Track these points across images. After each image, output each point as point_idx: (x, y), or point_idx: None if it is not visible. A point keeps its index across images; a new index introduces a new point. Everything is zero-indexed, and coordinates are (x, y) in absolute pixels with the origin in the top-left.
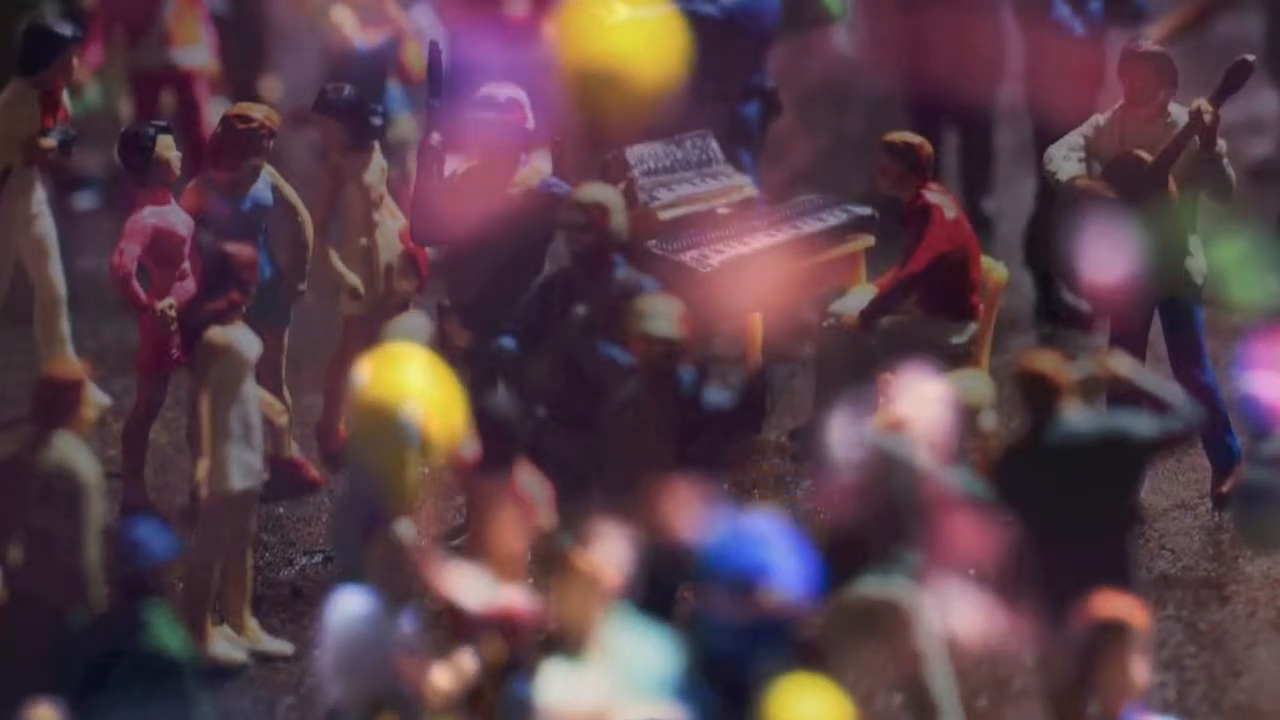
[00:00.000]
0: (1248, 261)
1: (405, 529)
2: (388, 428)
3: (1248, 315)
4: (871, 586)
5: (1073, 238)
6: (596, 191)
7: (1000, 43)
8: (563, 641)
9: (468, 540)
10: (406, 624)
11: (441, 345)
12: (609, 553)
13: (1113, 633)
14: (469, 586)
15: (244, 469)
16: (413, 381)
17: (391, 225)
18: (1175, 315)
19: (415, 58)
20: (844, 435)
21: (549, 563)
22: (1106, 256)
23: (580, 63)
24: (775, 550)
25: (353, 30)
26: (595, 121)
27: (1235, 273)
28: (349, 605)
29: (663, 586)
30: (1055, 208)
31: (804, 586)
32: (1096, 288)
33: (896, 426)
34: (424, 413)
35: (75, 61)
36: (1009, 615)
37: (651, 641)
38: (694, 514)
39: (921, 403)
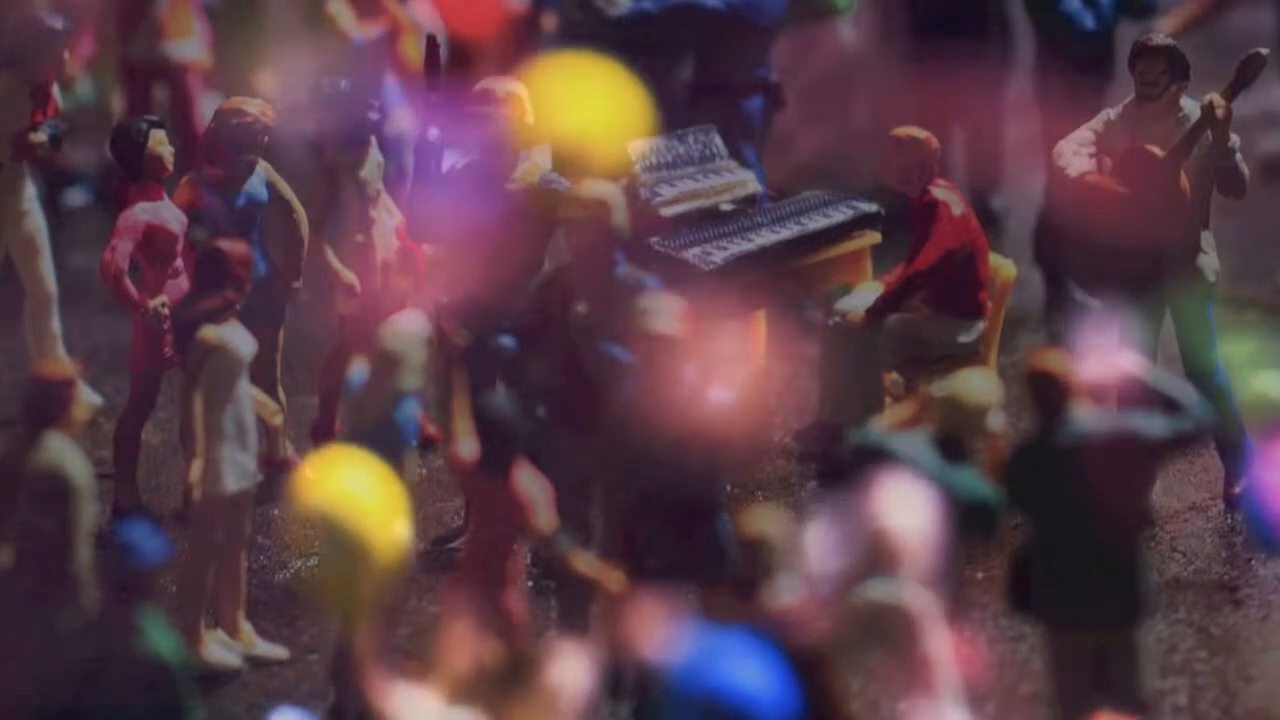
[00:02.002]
0: (1260, 357)
1: (402, 532)
2: (335, 539)
3: (1262, 413)
4: (878, 590)
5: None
6: (597, 187)
7: (1009, 37)
8: None
9: (466, 542)
10: None
11: (440, 344)
12: (570, 670)
13: None
14: (417, 708)
15: (238, 470)
16: (356, 490)
17: (388, 222)
18: (1187, 313)
19: (413, 51)
20: (822, 544)
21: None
22: (1103, 352)
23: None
24: (745, 668)
25: (350, 24)
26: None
27: (1248, 369)
28: None
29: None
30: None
31: (775, 704)
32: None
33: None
34: (369, 522)
35: (66, 55)
36: None
37: None
38: (659, 629)
39: (907, 510)
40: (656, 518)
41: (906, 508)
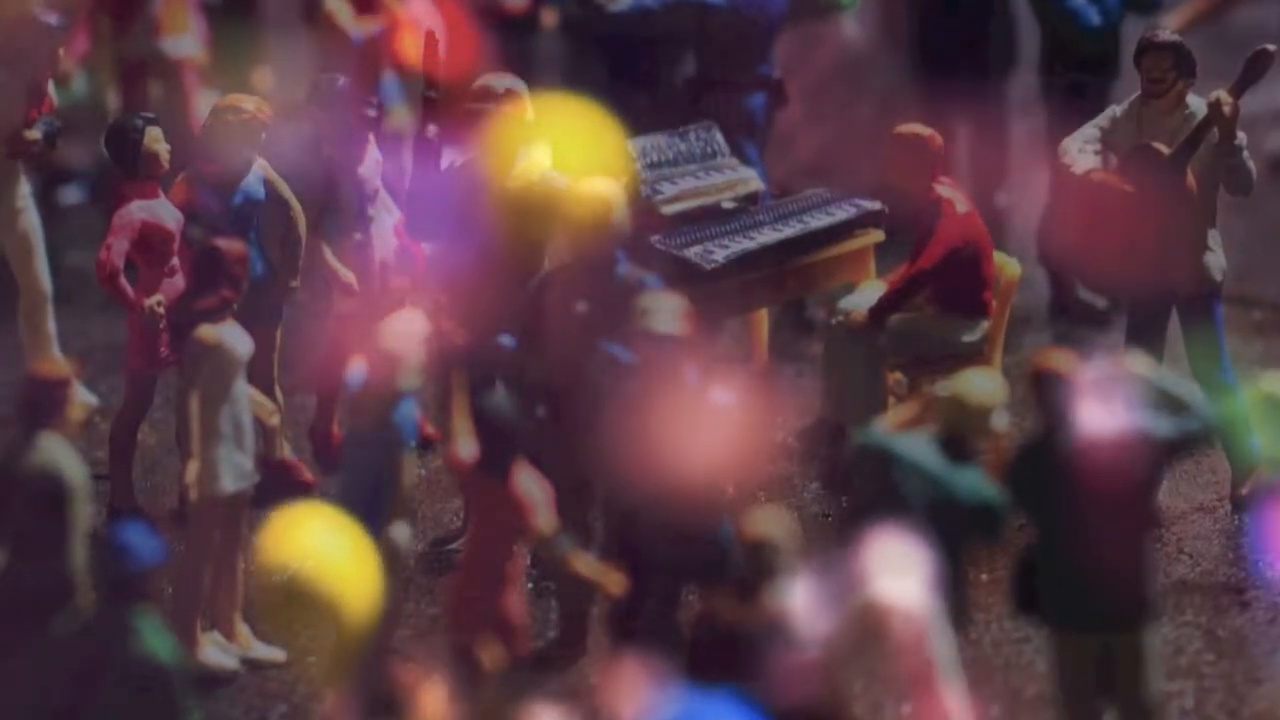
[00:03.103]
0: (1270, 408)
1: (401, 533)
2: (305, 599)
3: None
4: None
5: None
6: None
7: (1013, 33)
8: None
9: (466, 544)
10: None
11: (440, 344)
12: None
13: None
14: None
15: (235, 471)
16: (320, 549)
17: (386, 220)
18: (1194, 312)
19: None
20: (811, 604)
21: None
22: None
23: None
24: None
25: (348, 20)
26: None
27: (1259, 419)
28: None
29: None
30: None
31: None
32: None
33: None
34: (334, 580)
35: (61, 52)
36: None
37: None
38: (643, 694)
39: (896, 568)
40: (656, 524)
41: (896, 572)
